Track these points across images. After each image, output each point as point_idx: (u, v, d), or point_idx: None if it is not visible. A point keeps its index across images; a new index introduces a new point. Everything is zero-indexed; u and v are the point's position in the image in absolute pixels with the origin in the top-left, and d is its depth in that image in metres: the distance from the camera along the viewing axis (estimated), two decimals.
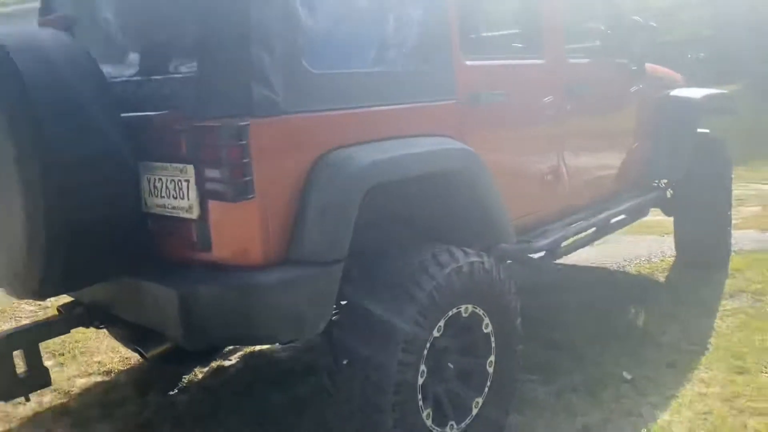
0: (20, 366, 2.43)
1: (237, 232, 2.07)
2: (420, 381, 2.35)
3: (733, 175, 4.86)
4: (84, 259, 2.11)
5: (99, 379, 3.59)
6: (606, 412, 2.97)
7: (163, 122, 2.15)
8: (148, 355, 2.95)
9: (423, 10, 2.56)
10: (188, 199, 2.11)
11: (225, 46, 2.04)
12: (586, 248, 4.83)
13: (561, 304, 4.25)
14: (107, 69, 2.31)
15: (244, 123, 1.97)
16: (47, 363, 2.70)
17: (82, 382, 3.54)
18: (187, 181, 2.10)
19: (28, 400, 2.73)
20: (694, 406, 2.98)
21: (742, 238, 5.33)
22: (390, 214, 2.55)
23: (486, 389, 2.67)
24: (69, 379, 3.56)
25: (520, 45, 3.30)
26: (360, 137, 2.28)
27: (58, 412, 3.23)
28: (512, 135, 3.02)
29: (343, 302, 2.38)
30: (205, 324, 2.04)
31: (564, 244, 3.43)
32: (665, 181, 4.43)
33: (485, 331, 2.63)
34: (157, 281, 2.12)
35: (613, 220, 3.78)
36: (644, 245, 5.43)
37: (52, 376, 2.67)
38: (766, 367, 3.30)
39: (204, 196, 2.07)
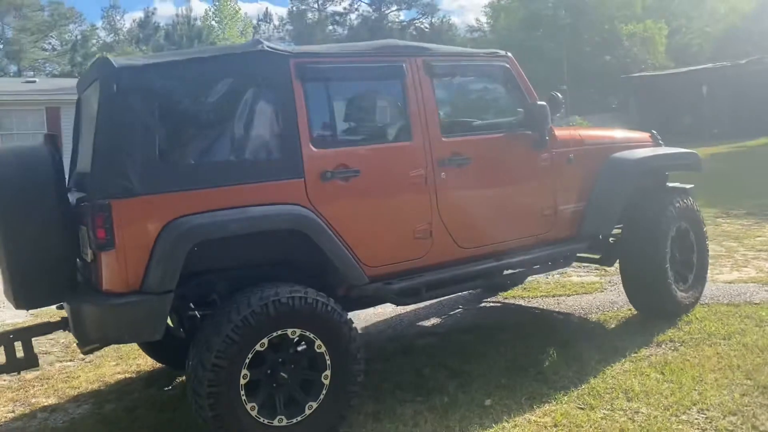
0: (19, 351, 3.81)
1: (109, 271, 3.23)
2: (243, 381, 3.29)
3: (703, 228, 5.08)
4: (38, 288, 3.42)
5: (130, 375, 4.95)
6: (441, 428, 3.62)
7: (78, 202, 3.42)
8: (83, 351, 3.91)
9: (274, 117, 3.56)
10: (89, 249, 3.33)
11: (101, 153, 3.24)
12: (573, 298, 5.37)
13: (488, 340, 4.83)
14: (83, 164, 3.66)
15: (107, 202, 3.15)
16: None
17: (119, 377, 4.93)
18: (88, 238, 3.33)
19: (19, 374, 4.08)
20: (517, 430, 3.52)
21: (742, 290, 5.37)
22: (238, 261, 3.57)
23: (321, 396, 3.50)
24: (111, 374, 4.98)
25: (384, 132, 4.12)
26: (203, 208, 3.33)
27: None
28: (368, 201, 3.81)
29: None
30: (85, 328, 3.23)
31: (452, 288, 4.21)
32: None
33: (318, 350, 3.49)
34: (68, 301, 3.36)
35: (510, 270, 4.38)
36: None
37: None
38: (609, 406, 3.67)
39: (92, 248, 3.27)
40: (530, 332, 4.98)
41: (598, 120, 30.27)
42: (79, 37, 52.78)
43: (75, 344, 4.81)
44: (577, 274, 6.76)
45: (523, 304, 5.88)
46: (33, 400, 4.63)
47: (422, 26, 56.00)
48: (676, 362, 4.13)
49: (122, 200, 3.18)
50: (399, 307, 5.82)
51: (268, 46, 3.61)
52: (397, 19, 57.50)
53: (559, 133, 4.63)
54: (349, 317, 3.59)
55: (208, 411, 3.21)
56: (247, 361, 3.30)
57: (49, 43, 54.76)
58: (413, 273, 4.01)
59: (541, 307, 5.74)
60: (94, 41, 56.35)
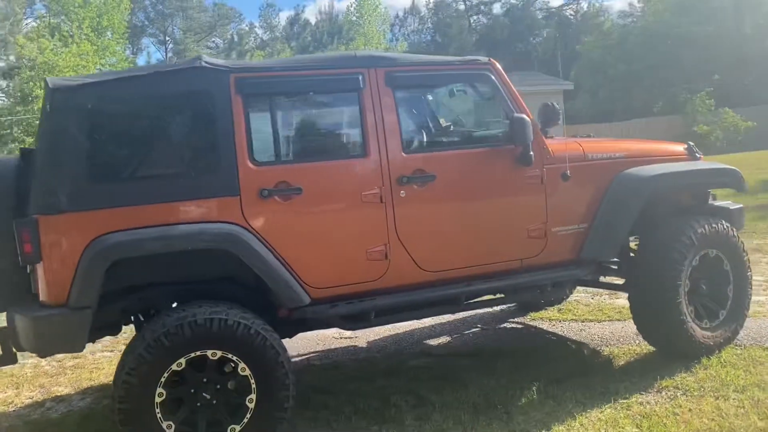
0: None
1: (42, 284, 3.37)
2: (158, 399, 3.31)
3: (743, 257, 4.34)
4: None
5: None
6: None
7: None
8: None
9: (211, 133, 3.52)
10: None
11: (36, 170, 3.37)
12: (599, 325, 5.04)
13: (481, 367, 4.51)
14: None
15: (34, 218, 3.29)
16: None
17: None
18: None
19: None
20: None
21: None
22: (179, 277, 3.58)
23: (245, 420, 3.44)
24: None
25: (332, 148, 3.91)
26: (130, 225, 3.37)
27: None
28: (312, 221, 3.66)
29: None
30: (17, 336, 3.40)
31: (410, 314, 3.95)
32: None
33: (242, 373, 3.43)
34: (6, 310, 3.55)
35: (489, 296, 3.99)
36: None
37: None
38: None
39: (21, 261, 3.42)
40: (529, 362, 4.57)
41: (754, 113, 27.27)
42: (235, 36, 56.43)
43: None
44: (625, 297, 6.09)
45: (545, 328, 5.41)
46: (53, 388, 5.02)
47: (568, 13, 53.45)
48: (662, 415, 3.58)
49: (49, 216, 3.30)
50: (414, 322, 5.63)
51: (206, 62, 3.57)
52: (544, 6, 55.38)
53: (556, 145, 4.17)
54: (275, 341, 3.48)
55: (119, 426, 3.27)
56: (163, 379, 3.31)
57: (213, 42, 59.18)
58: (368, 296, 3.81)
59: (560, 332, 5.25)
60: (252, 39, 60.13)
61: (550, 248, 4.14)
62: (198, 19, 56.68)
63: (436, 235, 3.91)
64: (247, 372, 3.43)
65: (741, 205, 4.61)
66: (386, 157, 3.77)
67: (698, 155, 4.62)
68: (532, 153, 3.98)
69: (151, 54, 55.62)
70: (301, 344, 5.39)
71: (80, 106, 3.39)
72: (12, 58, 33.55)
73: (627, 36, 36.24)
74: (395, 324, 5.51)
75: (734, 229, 4.40)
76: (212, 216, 3.50)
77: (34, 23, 38.46)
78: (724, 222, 4.35)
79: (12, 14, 40.82)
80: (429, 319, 5.80)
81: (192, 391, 3.40)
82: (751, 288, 4.47)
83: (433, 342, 5.33)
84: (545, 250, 4.14)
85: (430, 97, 4.50)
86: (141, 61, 51.78)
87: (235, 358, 3.41)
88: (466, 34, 49.81)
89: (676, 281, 4.11)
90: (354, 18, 44.07)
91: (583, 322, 5.44)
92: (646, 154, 4.48)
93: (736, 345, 4.48)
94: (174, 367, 3.33)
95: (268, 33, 61.35)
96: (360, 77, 3.77)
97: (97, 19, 35.47)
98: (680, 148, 4.67)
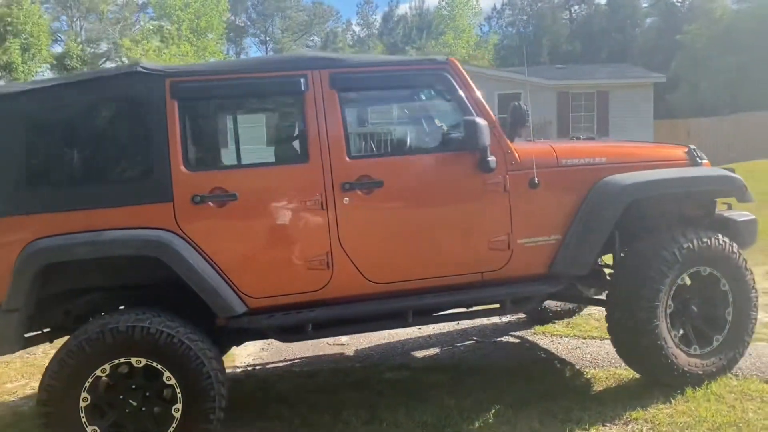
0: None
1: None
2: (83, 404, 3.33)
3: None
4: None
5: None
6: None
7: None
8: None
9: (146, 139, 3.50)
10: None
11: None
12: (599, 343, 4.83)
13: (450, 385, 4.28)
14: None
15: None
16: None
17: None
18: None
19: None
20: None
21: None
22: (120, 281, 3.59)
23: (171, 429, 3.40)
24: None
25: (271, 153, 3.75)
26: (63, 230, 3.41)
27: None
28: (248, 227, 3.55)
29: None
30: None
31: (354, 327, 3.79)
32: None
33: (168, 382, 3.39)
34: None
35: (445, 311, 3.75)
36: None
37: None
38: None
39: None
40: (502, 382, 4.25)
41: None
42: (330, 34, 57.40)
43: None
44: None
45: (541, 344, 5.04)
46: None
47: (675, 0, 50.17)
48: None
49: None
50: (412, 329, 5.42)
51: (142, 67, 3.55)
52: None
53: (524, 150, 3.84)
54: (202, 351, 3.41)
55: (43, 428, 3.32)
56: (87, 384, 3.33)
57: (312, 40, 60.52)
58: (311, 306, 3.68)
59: (554, 350, 4.86)
60: (349, 36, 61.01)
61: (515, 261, 3.83)
62: (296, 18, 58.08)
63: (384, 245, 3.71)
64: (173, 381, 3.39)
65: (752, 217, 4.06)
66: (329, 163, 3.60)
67: (701, 160, 4.12)
68: (490, 158, 3.69)
69: (250, 54, 57.59)
70: (293, 349, 5.33)
71: (15, 113, 3.46)
72: (124, 60, 35.79)
73: (735, 24, 33.58)
74: (394, 331, 5.35)
75: (734, 245, 3.88)
76: (146, 222, 3.49)
77: (142, 26, 40.85)
78: (720, 236, 3.85)
79: (122, 19, 43.60)
80: (429, 328, 5.60)
81: (121, 397, 3.41)
82: (756, 311, 3.94)
83: (420, 354, 5.10)
84: (510, 263, 3.83)
85: (381, 100, 4.28)
86: None
87: (160, 366, 3.39)
88: (560, 25, 47.97)
89: (653, 301, 3.67)
90: (445, 12, 43.69)
91: (585, 339, 5.03)
92: (635, 159, 4.03)
93: (734, 375, 3.96)
94: (98, 372, 3.35)
95: (365, 30, 62.01)
96: (302, 80, 3.62)
97: (196, 20, 37.18)
98: (680, 151, 4.18)
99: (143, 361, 3.38)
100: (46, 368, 3.38)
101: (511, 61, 41.83)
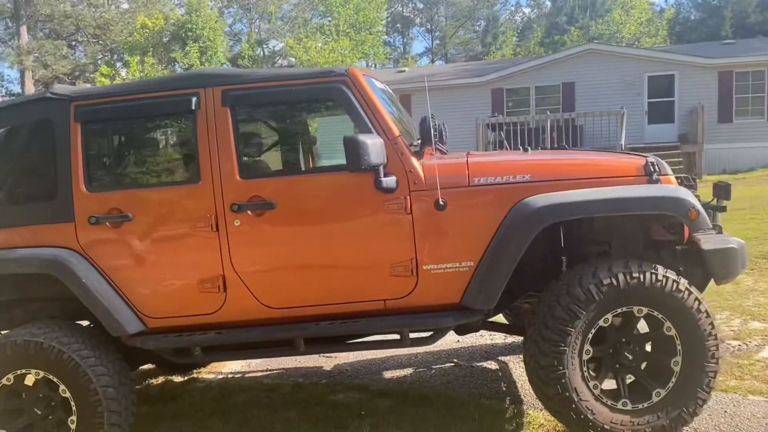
0: None
1: None
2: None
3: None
4: None
5: None
6: None
7: None
8: None
9: (52, 162, 3.67)
10: None
11: None
12: None
13: (389, 411, 4.04)
14: None
15: None
16: None
17: None
18: None
19: None
20: None
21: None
22: (42, 295, 3.82)
23: None
24: None
25: (165, 173, 3.68)
26: None
27: None
28: (142, 248, 3.58)
29: None
30: None
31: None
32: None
33: (63, 395, 3.57)
34: None
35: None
36: None
37: None
38: None
39: None
40: (440, 415, 3.92)
41: None
42: (491, 18, 56.13)
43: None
44: None
45: (514, 374, 4.53)
46: None
47: None
48: None
49: None
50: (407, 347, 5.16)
51: (51, 93, 3.71)
52: None
53: (432, 167, 3.45)
54: (91, 367, 3.53)
55: None
56: None
57: (478, 24, 59.61)
58: (206, 329, 3.65)
59: (519, 383, 4.32)
60: (518, 18, 59.34)
61: (422, 289, 3.47)
62: (460, 4, 57.50)
63: (277, 269, 3.56)
64: (68, 394, 3.56)
65: (728, 245, 3.28)
66: (219, 183, 3.53)
67: (658, 175, 3.41)
68: (384, 179, 3.37)
69: (414, 43, 57.99)
70: (279, 359, 5.33)
71: None
72: (292, 59, 37.99)
73: None
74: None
75: (681, 282, 3.17)
76: (54, 241, 3.67)
77: (307, 24, 42.95)
78: (661, 271, 3.17)
79: (291, 18, 46.18)
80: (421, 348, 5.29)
81: (31, 406, 3.65)
82: (715, 362, 3.19)
83: (390, 374, 4.85)
84: (416, 290, 3.48)
85: (276, 116, 4.04)
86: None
87: (55, 379, 3.57)
88: None
89: (558, 345, 3.13)
90: None
91: None
92: (567, 175, 3.44)
93: None
94: (4, 381, 3.61)
95: (535, 11, 59.71)
96: (194, 98, 3.57)
97: (355, 15, 38.29)
98: (633, 166, 3.48)
99: (41, 374, 3.58)
100: None
101: (688, 38, 37.95)
